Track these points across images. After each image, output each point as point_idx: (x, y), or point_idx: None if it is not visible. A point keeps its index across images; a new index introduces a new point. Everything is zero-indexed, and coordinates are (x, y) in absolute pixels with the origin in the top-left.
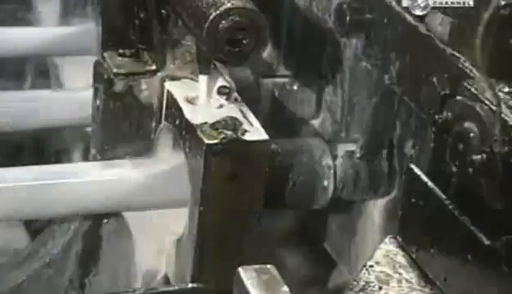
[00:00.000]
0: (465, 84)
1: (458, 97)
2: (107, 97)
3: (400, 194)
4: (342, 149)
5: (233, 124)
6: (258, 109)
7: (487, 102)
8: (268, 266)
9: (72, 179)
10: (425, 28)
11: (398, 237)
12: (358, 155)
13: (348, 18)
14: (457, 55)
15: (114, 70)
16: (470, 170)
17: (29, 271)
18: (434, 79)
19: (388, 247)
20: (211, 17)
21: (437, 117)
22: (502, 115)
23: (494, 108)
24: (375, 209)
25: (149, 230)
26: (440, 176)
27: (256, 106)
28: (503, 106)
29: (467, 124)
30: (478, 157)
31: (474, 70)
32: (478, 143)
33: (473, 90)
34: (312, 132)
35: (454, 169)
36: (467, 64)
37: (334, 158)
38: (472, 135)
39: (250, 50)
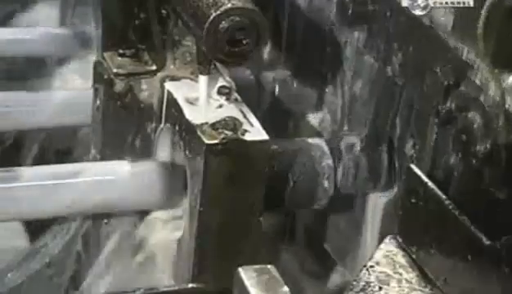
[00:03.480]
0: (469, 75)
1: (462, 88)
2: (107, 97)
3: (400, 194)
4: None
5: (233, 124)
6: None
7: (490, 93)
8: (268, 266)
9: (72, 179)
10: (428, 19)
11: (398, 237)
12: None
13: (350, 10)
14: (460, 45)
15: (114, 70)
16: (473, 161)
17: (29, 271)
18: (438, 70)
19: (388, 247)
20: (211, 17)
21: (440, 107)
22: (506, 106)
23: (498, 98)
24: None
25: None
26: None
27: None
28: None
29: (470, 115)
30: (482, 147)
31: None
32: (482, 133)
33: (476, 81)
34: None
35: (456, 161)
36: (470, 56)
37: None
38: (475, 125)
39: (250, 50)
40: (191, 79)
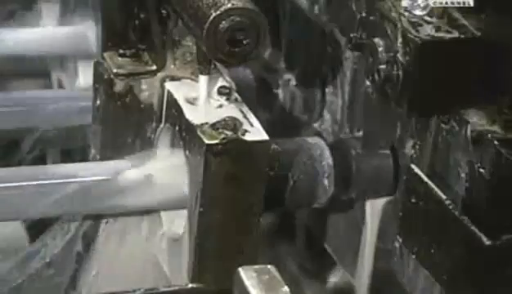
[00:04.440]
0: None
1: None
2: (107, 97)
3: (400, 195)
4: None
5: (233, 124)
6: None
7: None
8: (268, 266)
9: (71, 179)
10: None
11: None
12: None
13: None
14: None
15: (115, 70)
16: (377, 78)
17: (29, 271)
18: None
19: None
20: (211, 17)
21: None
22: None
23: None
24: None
25: None
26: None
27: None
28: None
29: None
30: (384, 66)
31: None
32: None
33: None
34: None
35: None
36: None
37: None
38: (380, 48)
39: (250, 50)
40: (191, 79)
